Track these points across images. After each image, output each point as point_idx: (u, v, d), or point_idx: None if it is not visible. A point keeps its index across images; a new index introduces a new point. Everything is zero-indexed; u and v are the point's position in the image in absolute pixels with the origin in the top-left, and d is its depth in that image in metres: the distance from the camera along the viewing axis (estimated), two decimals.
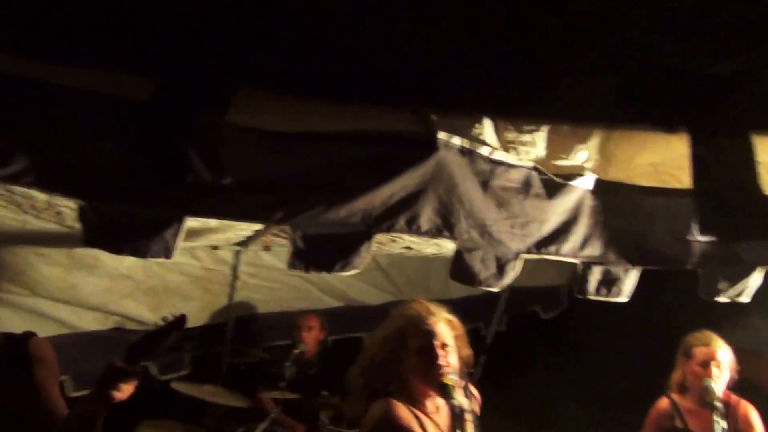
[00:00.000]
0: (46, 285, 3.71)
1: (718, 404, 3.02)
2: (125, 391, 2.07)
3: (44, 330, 3.82)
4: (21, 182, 1.99)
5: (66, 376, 3.94)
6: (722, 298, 2.97)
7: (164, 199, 2.21)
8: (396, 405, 2.20)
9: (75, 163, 2.06)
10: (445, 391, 2.07)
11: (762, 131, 2.49)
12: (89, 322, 4.10)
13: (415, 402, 2.26)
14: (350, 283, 4.81)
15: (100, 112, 2.08)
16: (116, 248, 2.20)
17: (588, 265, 2.80)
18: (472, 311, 2.62)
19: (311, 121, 2.37)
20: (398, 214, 2.41)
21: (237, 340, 4.72)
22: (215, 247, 4.08)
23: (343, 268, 2.37)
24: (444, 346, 2.25)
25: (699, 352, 3.28)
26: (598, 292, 2.82)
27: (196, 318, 4.61)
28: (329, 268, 2.37)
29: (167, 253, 2.22)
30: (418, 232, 2.45)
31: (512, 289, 5.20)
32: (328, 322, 4.66)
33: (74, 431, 2.04)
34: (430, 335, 2.24)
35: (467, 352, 2.44)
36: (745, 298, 2.99)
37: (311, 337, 4.52)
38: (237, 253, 4.35)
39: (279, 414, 3.90)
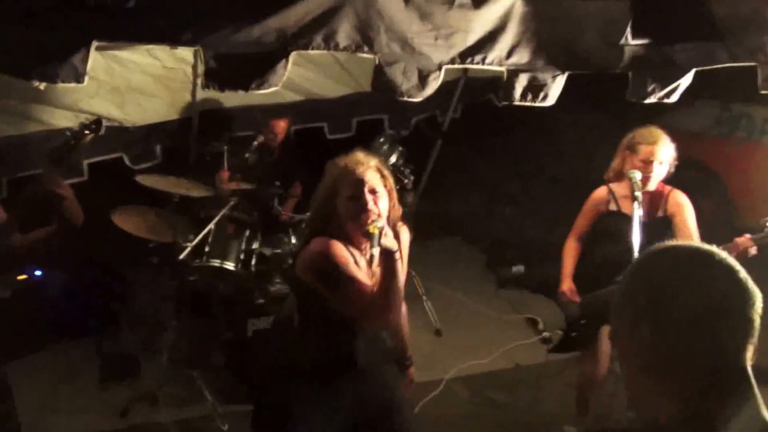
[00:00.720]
0: (16, 86, 3.75)
1: (638, 194, 3.17)
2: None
3: (22, 128, 4.03)
4: None
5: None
6: (651, 99, 3.01)
7: (69, 23, 2.19)
8: (333, 242, 2.35)
9: None
10: (370, 239, 2.17)
11: None
12: (60, 120, 4.19)
13: (351, 243, 2.40)
14: (311, 78, 4.80)
15: None
16: (24, 73, 2.20)
17: (514, 72, 2.79)
18: (428, 99, 2.69)
19: None
20: (315, 32, 2.40)
21: (202, 132, 4.85)
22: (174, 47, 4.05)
23: (259, 87, 2.39)
24: (373, 191, 2.32)
25: (643, 150, 3.33)
26: (523, 98, 2.84)
27: (164, 114, 4.70)
28: (245, 87, 2.39)
29: (78, 78, 2.22)
30: (336, 48, 2.46)
31: (468, 78, 5.24)
32: (290, 114, 4.75)
33: None
34: (359, 183, 2.31)
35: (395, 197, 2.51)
36: (674, 99, 3.04)
37: (277, 139, 4.66)
38: (196, 52, 4.32)
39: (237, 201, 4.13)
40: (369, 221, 2.23)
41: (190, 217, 4.28)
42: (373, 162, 2.39)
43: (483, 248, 6.63)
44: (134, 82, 4.29)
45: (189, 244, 3.76)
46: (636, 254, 2.97)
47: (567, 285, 3.56)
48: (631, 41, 2.82)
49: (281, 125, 4.66)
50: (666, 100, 3.05)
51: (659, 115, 3.90)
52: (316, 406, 2.43)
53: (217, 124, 4.87)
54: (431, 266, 5.77)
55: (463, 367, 4.54)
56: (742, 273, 1.19)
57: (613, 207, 3.50)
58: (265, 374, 2.82)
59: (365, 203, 2.28)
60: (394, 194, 2.43)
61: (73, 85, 4.05)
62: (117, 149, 4.62)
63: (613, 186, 3.55)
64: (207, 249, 3.97)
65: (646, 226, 3.10)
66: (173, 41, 2.34)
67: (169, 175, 4.22)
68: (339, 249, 2.32)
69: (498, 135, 6.45)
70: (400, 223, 2.55)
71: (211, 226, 3.90)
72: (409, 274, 5.07)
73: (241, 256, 4.06)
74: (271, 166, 4.65)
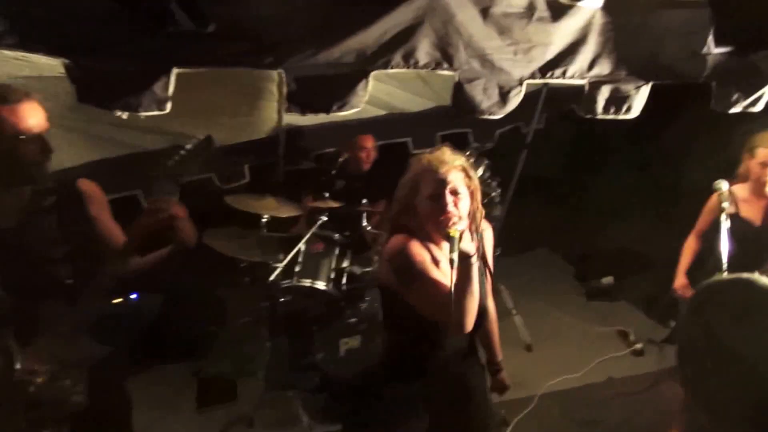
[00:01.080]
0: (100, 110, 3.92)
1: (725, 205, 3.12)
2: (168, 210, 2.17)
3: (112, 151, 4.17)
4: (3, 44, 2.03)
5: (138, 191, 4.34)
6: (736, 109, 2.89)
7: (149, 51, 2.24)
8: (411, 240, 2.31)
9: (56, 20, 2.08)
10: (450, 242, 2.10)
11: None
12: (148, 142, 4.36)
13: (431, 240, 2.36)
14: (392, 92, 4.81)
15: None
16: (107, 104, 2.28)
17: (596, 85, 2.75)
18: (512, 111, 2.66)
19: None
20: (394, 50, 2.41)
21: (289, 150, 4.94)
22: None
23: (340, 109, 2.42)
24: (455, 192, 2.26)
25: (761, 153, 3.31)
26: (606, 110, 2.79)
27: (250, 132, 4.83)
28: (327, 109, 2.42)
29: (160, 106, 2.29)
30: (416, 66, 2.46)
31: (551, 88, 5.12)
32: (373, 130, 4.78)
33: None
34: (441, 183, 2.26)
35: (479, 198, 2.47)
36: (759, 108, 2.91)
37: (365, 156, 4.68)
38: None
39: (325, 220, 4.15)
40: (450, 223, 2.18)
41: (280, 236, 4.37)
42: (459, 161, 2.32)
43: (571, 260, 6.53)
44: (215, 104, 4.42)
45: (279, 264, 3.81)
46: (725, 264, 2.98)
47: (680, 281, 3.69)
48: (714, 50, 2.71)
49: (367, 141, 4.69)
50: (751, 109, 2.92)
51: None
52: (398, 407, 2.44)
53: (304, 141, 4.95)
54: (519, 280, 5.72)
55: (555, 382, 4.44)
56: None
57: (731, 209, 3.44)
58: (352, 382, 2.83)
59: (445, 204, 2.22)
60: (478, 195, 2.38)
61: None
62: (206, 169, 4.75)
63: (736, 188, 3.53)
64: (297, 269, 4.00)
65: (760, 233, 3.13)
66: (255, 65, 2.38)
67: (256, 195, 4.31)
68: (416, 247, 2.28)
69: (586, 144, 6.30)
70: (484, 224, 2.51)
71: (301, 245, 3.94)
72: (497, 288, 5.04)
73: (332, 275, 4.07)
74: (360, 183, 4.68)
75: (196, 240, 2.30)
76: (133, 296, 4.77)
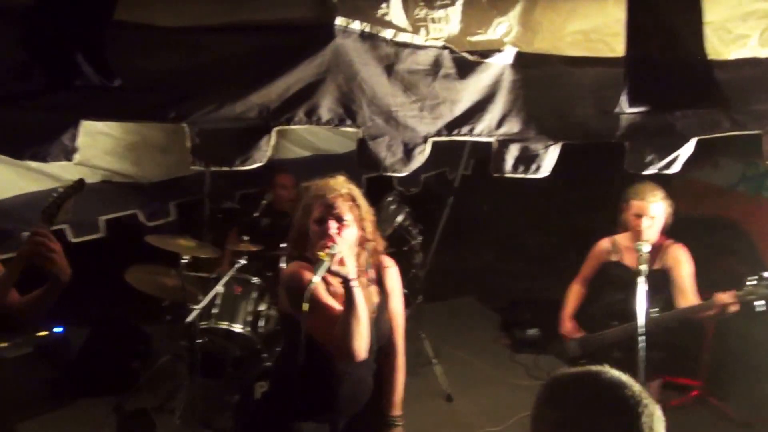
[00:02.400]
0: None
1: (643, 268, 3.23)
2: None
3: (39, 185, 4.05)
4: None
5: (65, 225, 4.24)
6: (649, 171, 2.91)
7: (58, 103, 2.23)
8: (303, 265, 2.41)
9: None
10: (316, 263, 2.20)
11: None
12: (76, 176, 4.28)
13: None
14: (317, 132, 4.84)
15: None
16: (16, 153, 2.28)
17: (504, 143, 2.72)
18: (438, 156, 2.64)
19: (200, 13, 2.31)
20: (296, 106, 2.39)
21: (214, 189, 4.90)
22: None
23: (243, 163, 2.39)
24: (338, 219, 2.37)
25: (634, 205, 3.57)
26: (515, 169, 2.77)
27: (176, 169, 4.77)
28: (230, 164, 2.39)
29: (67, 156, 2.27)
30: (318, 122, 2.45)
31: None
32: (298, 170, 4.77)
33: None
34: (326, 208, 2.38)
35: (370, 227, 2.54)
36: (675, 169, 2.93)
37: (285, 194, 4.67)
38: None
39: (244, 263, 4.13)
40: (323, 246, 2.25)
41: (200, 277, 4.32)
42: (346, 190, 2.46)
43: (497, 308, 6.53)
44: (151, 138, 4.36)
45: (196, 306, 3.77)
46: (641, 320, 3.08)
47: (567, 325, 3.88)
48: (627, 109, 2.73)
49: (285, 179, 4.67)
50: (666, 171, 2.93)
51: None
52: None
53: (229, 181, 4.91)
54: (443, 328, 5.70)
55: None
56: (629, 389, 1.25)
57: (614, 257, 3.74)
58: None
59: (327, 228, 2.33)
60: (368, 226, 2.49)
61: (88, 142, 4.18)
62: (132, 206, 4.68)
63: (618, 237, 3.78)
64: (215, 311, 4.00)
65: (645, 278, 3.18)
66: (160, 118, 2.37)
67: (177, 236, 4.26)
68: (307, 272, 2.33)
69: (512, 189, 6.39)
70: (388, 261, 2.62)
71: (218, 288, 3.92)
72: (418, 336, 5.04)
73: (248, 318, 4.05)
74: (285, 222, 4.65)
75: (69, 274, 2.37)
76: (59, 329, 4.66)
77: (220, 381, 4.36)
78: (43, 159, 2.27)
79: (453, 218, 5.47)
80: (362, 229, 2.48)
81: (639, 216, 3.53)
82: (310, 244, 2.44)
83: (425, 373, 5.15)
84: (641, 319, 3.08)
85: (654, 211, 3.52)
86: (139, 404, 4.59)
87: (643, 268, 3.21)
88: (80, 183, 2.59)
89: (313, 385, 2.47)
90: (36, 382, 4.49)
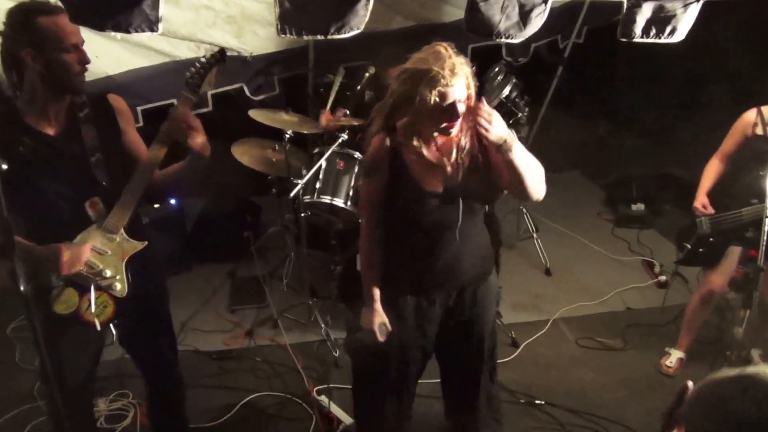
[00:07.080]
0: None
1: None
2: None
3: (150, 60, 4.19)
4: None
5: (174, 99, 4.37)
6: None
7: None
8: (387, 141, 2.42)
9: None
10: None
11: None
12: (184, 51, 4.33)
13: (416, 143, 2.40)
14: (424, 2, 4.59)
15: None
16: (98, 24, 2.09)
17: (637, 2, 2.34)
18: (550, 22, 2.42)
19: None
20: None
21: (318, 62, 4.83)
22: None
23: (339, 31, 2.21)
24: (459, 102, 2.26)
25: None
26: (646, 33, 2.39)
27: (280, 43, 4.72)
28: (324, 32, 2.26)
29: (151, 26, 2.15)
30: None
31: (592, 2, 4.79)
32: (402, 41, 4.58)
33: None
34: (445, 95, 2.22)
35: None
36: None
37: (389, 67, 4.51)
38: None
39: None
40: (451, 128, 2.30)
41: (304, 152, 4.36)
42: (464, 72, 2.26)
43: (603, 184, 6.30)
44: (250, 10, 4.31)
45: (299, 181, 3.84)
46: None
47: (700, 200, 3.64)
48: None
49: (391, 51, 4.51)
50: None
51: None
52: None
53: (333, 53, 4.81)
54: (544, 201, 5.50)
55: (571, 308, 4.42)
56: None
57: (760, 131, 3.45)
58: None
59: (451, 115, 2.27)
60: (473, 93, 2.34)
61: (191, 17, 4.18)
62: (237, 80, 4.69)
63: (765, 109, 3.47)
64: (318, 185, 4.06)
65: None
66: None
67: (280, 110, 4.29)
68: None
69: (628, 61, 5.93)
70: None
71: (321, 162, 3.96)
72: (518, 209, 4.97)
73: (351, 192, 4.10)
74: None
75: (209, 151, 2.40)
76: (173, 201, 4.93)
77: (325, 252, 4.51)
78: (126, 30, 2.17)
79: (562, 90, 5.19)
80: (470, 99, 2.31)
81: None
82: (417, 118, 2.34)
83: (525, 246, 5.14)
84: None
85: None
86: (251, 272, 4.85)
87: None
88: (222, 53, 2.48)
89: (414, 257, 2.52)
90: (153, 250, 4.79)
